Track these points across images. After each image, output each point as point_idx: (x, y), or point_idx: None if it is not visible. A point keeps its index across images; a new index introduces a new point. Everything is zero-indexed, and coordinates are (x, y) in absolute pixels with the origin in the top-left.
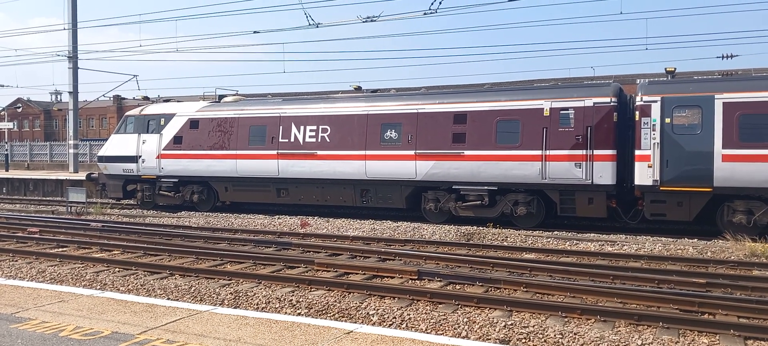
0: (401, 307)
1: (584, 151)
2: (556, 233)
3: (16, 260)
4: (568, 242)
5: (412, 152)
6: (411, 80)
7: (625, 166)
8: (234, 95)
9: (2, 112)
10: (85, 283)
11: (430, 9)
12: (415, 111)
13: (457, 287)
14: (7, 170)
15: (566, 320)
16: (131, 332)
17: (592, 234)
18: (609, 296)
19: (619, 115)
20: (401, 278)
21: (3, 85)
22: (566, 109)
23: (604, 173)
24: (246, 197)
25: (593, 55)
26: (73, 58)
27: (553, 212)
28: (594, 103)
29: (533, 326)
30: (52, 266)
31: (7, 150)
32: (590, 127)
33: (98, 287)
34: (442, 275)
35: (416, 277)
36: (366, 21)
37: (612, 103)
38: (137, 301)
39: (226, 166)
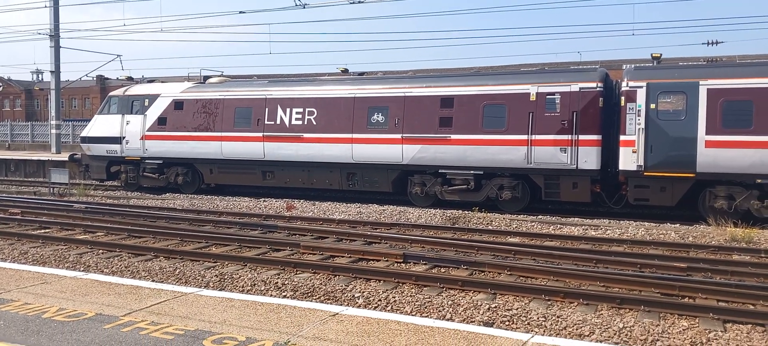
0: (387, 290)
1: (570, 136)
2: (540, 217)
3: None
4: (552, 226)
5: (398, 136)
6: (398, 63)
7: (609, 152)
8: (219, 76)
9: None
10: (69, 265)
11: None
12: (402, 95)
13: (442, 270)
14: None
15: (549, 303)
16: (115, 313)
17: (576, 219)
18: (592, 280)
19: (605, 101)
20: (387, 261)
21: None
22: (552, 94)
23: (589, 158)
24: (231, 180)
25: (580, 40)
26: (55, 36)
27: (538, 196)
28: (580, 88)
29: (517, 309)
30: (34, 247)
31: None
32: (576, 112)
33: (82, 268)
34: (428, 259)
35: (402, 260)
36: (353, 2)
37: (598, 89)
38: (121, 283)
39: (211, 148)
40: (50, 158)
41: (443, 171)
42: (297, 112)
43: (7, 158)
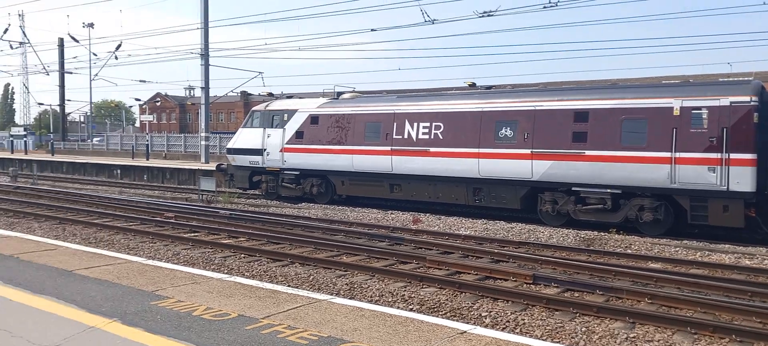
0: (515, 311)
1: (719, 154)
2: (685, 242)
3: (155, 243)
4: (699, 253)
5: (528, 151)
6: (527, 76)
7: (766, 172)
8: (351, 92)
9: (144, 106)
10: (214, 267)
11: (550, 2)
12: (532, 108)
13: (576, 294)
14: (147, 159)
15: (696, 336)
16: (256, 315)
17: (727, 245)
18: (746, 315)
19: (761, 116)
20: (515, 281)
21: (144, 81)
22: (699, 108)
23: (742, 179)
24: (361, 191)
25: (731, 50)
26: (205, 56)
27: (683, 219)
28: (731, 102)
29: (658, 341)
30: (185, 249)
31: (148, 141)
32: (726, 128)
33: (225, 271)
34: (560, 281)
35: (531, 281)
36: (483, 16)
37: (752, 103)
38: (261, 286)
39: (342, 161)
40: (200, 168)
41: (576, 189)
42: (424, 127)
43: (163, 167)
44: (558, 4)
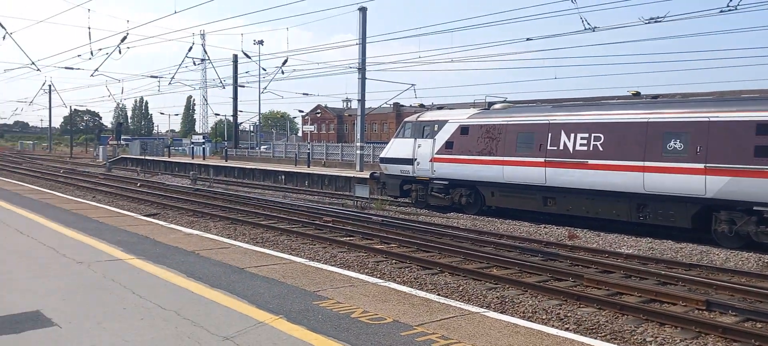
0: (685, 339)
1: None
2: None
3: (314, 245)
4: None
5: (701, 166)
6: (698, 85)
7: None
8: (502, 102)
9: (306, 117)
10: (367, 271)
11: (727, 6)
12: (706, 119)
13: (758, 325)
14: (308, 166)
15: None
16: (410, 322)
17: None
18: None
19: None
20: (685, 306)
21: (307, 94)
22: None
23: None
24: (511, 203)
25: None
26: (362, 70)
27: None
28: None
29: None
30: (341, 252)
31: (309, 149)
32: None
33: (378, 275)
34: (738, 309)
35: (704, 307)
36: (649, 22)
37: None
38: (414, 293)
39: (492, 172)
40: (355, 175)
41: (759, 208)
42: (582, 138)
43: (323, 174)
44: (737, 7)
